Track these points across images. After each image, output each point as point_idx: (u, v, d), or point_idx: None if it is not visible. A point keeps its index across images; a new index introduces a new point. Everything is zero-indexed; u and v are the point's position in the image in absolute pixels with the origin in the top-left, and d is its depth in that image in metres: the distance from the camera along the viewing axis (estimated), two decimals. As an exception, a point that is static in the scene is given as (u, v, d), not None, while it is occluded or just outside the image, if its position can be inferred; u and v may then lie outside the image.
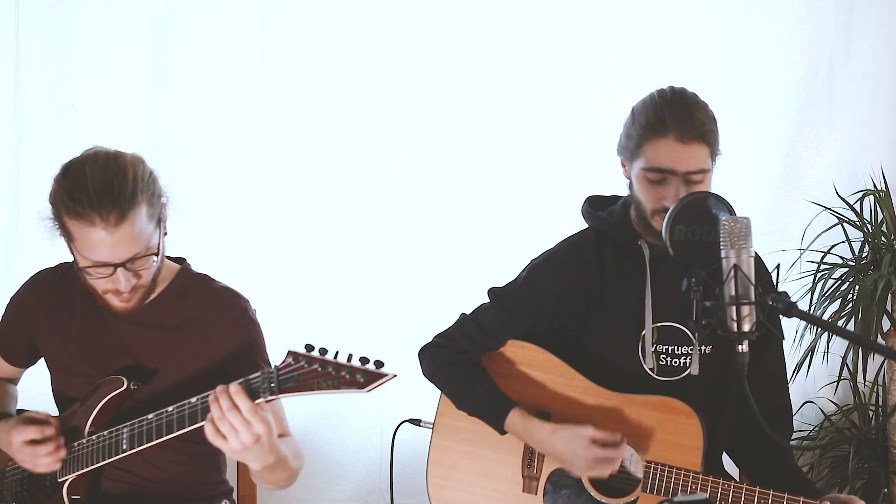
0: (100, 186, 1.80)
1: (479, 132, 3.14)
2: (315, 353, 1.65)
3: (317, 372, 1.64)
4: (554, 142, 3.12)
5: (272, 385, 1.68)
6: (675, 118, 1.99)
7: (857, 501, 1.98)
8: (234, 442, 1.68)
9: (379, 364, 1.62)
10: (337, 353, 1.65)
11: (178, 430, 1.81)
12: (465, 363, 2.19)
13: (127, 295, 1.89)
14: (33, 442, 1.93)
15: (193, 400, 1.79)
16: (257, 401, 1.70)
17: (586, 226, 2.24)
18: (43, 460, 1.93)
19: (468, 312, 2.25)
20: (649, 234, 2.12)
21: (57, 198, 1.85)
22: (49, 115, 3.05)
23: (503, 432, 2.14)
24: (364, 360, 1.62)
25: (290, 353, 1.68)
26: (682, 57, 3.10)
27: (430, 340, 2.27)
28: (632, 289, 2.15)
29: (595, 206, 2.24)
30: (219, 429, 1.69)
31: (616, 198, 2.26)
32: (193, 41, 3.07)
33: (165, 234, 1.95)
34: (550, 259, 2.21)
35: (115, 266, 1.84)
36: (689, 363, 2.15)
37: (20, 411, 2.15)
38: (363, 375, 1.61)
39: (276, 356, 1.76)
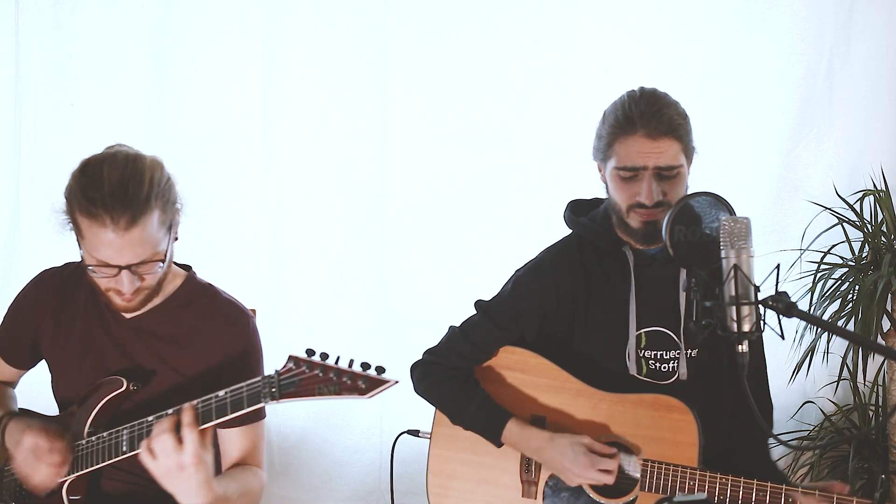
0: (115, 188, 1.79)
1: (478, 133, 3.14)
2: (316, 359, 1.65)
3: (318, 377, 1.64)
4: (553, 141, 3.12)
5: (273, 390, 1.68)
6: (642, 116, 2.01)
7: (836, 485, 1.97)
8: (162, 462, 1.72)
9: (380, 370, 1.62)
10: (338, 358, 1.65)
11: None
12: (457, 378, 2.19)
13: (129, 296, 1.89)
14: (40, 449, 1.91)
15: (194, 402, 1.77)
16: (258, 405, 1.71)
17: (569, 231, 2.24)
18: (44, 470, 1.90)
19: (457, 326, 2.25)
20: (629, 235, 2.12)
21: (72, 193, 1.84)
22: (49, 115, 3.06)
23: (500, 445, 2.15)
24: (365, 366, 1.62)
25: (290, 357, 1.68)
26: (682, 57, 3.09)
27: (420, 357, 2.27)
28: (616, 295, 2.14)
29: (577, 212, 2.24)
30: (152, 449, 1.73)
31: (598, 200, 2.26)
32: (193, 41, 3.07)
33: (176, 239, 1.94)
34: (534, 269, 2.21)
35: (120, 268, 1.84)
36: (678, 367, 2.15)
37: (23, 411, 2.15)
38: (364, 381, 1.61)
39: (275, 356, 1.76)
